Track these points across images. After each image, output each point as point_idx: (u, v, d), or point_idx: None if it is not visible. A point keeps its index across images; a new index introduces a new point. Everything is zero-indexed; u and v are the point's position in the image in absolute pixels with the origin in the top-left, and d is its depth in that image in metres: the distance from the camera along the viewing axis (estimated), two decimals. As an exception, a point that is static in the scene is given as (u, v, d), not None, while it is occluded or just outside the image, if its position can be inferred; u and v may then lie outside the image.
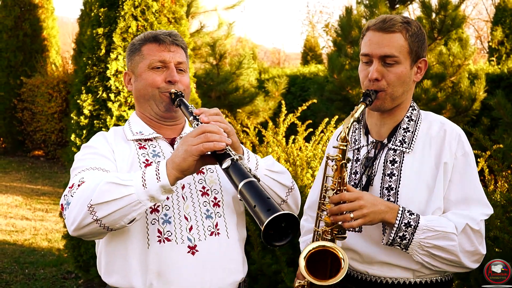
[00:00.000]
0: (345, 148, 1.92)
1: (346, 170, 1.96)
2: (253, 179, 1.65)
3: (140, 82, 2.07)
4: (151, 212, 1.93)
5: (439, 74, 6.39)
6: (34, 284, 5.44)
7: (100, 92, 4.50)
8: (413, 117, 2.10)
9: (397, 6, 6.96)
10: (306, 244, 2.07)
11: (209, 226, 1.96)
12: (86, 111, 4.51)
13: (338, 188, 1.92)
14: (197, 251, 1.92)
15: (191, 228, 1.94)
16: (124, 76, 2.16)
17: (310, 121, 4.87)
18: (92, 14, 4.75)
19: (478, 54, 18.62)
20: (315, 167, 3.99)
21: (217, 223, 1.98)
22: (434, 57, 6.39)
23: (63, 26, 24.08)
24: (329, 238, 1.96)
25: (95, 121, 4.51)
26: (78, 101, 4.58)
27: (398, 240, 1.93)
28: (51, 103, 12.30)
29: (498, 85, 8.41)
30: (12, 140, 13.62)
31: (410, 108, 2.12)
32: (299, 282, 2.08)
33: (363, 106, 1.97)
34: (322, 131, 4.43)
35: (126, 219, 1.73)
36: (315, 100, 5.68)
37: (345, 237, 1.96)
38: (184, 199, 1.97)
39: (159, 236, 1.91)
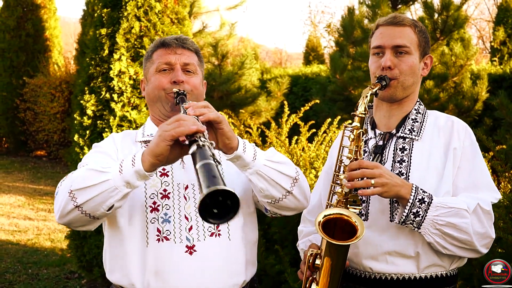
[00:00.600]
0: (364, 116, 1.97)
1: (363, 140, 1.99)
2: (211, 161, 1.56)
3: (149, 86, 2.12)
4: (151, 211, 1.94)
5: (442, 74, 6.38)
6: (37, 284, 5.45)
7: (103, 93, 4.51)
8: (420, 111, 2.18)
9: (399, 6, 6.96)
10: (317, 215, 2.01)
11: (209, 227, 1.96)
12: (89, 112, 4.53)
13: (355, 157, 1.96)
14: (195, 251, 1.92)
15: (190, 228, 1.94)
16: (141, 83, 2.23)
17: (313, 122, 4.88)
18: (95, 14, 4.77)
19: (480, 54, 18.62)
20: (318, 168, 3.99)
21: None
22: (437, 57, 6.38)
23: (65, 26, 24.12)
24: (344, 207, 1.96)
25: (98, 122, 4.52)
26: (81, 101, 4.59)
27: (412, 216, 1.95)
28: (53, 103, 12.34)
29: (500, 85, 8.41)
30: (15, 140, 13.66)
31: (417, 103, 2.20)
32: (312, 251, 2.07)
33: (379, 86, 2.04)
34: (324, 132, 4.43)
35: (105, 206, 1.76)
36: (317, 100, 5.69)
37: (360, 206, 1.97)
38: (186, 199, 1.98)
39: (158, 235, 1.92)
